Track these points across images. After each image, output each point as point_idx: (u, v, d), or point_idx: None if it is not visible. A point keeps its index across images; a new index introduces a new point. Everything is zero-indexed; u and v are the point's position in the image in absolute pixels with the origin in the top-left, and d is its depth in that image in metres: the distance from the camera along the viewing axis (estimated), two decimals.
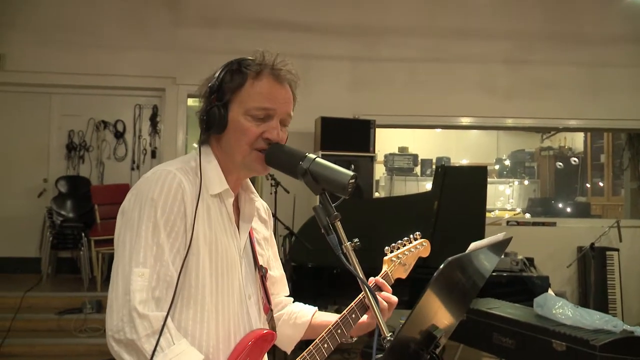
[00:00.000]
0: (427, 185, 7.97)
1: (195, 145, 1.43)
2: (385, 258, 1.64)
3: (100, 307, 5.24)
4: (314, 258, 4.19)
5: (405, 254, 1.67)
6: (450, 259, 0.98)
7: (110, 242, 5.70)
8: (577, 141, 9.24)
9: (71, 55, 5.90)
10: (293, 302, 1.69)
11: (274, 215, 4.53)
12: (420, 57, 6.27)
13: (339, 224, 1.23)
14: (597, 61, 6.26)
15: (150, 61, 6.04)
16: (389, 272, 1.61)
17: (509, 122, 6.66)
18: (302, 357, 1.37)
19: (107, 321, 1.21)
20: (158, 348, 1.17)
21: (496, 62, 6.31)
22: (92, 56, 5.95)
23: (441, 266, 0.97)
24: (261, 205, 1.58)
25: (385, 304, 1.45)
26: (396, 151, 8.41)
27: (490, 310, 3.10)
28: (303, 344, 1.48)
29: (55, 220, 5.91)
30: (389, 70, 6.25)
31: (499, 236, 1.31)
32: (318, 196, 1.29)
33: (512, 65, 6.32)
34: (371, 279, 1.53)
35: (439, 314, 1.16)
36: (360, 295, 1.50)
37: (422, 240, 1.76)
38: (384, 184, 8.28)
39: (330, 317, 1.57)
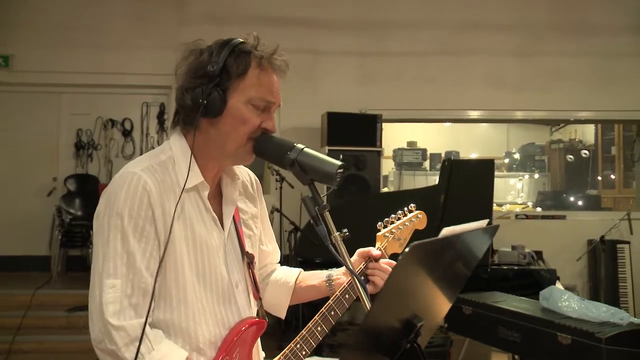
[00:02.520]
0: (436, 180, 7.94)
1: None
2: (378, 234, 1.61)
3: None
4: (321, 253, 4.19)
5: (399, 228, 1.64)
6: (414, 243, 0.96)
7: None
8: (587, 133, 9.14)
9: (78, 54, 5.94)
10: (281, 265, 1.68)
11: (279, 211, 4.54)
12: (428, 51, 6.24)
13: (327, 215, 1.22)
14: (607, 52, 6.19)
15: (157, 59, 6.04)
16: (382, 248, 1.58)
17: (519, 114, 6.62)
18: (295, 342, 1.36)
19: (90, 330, 1.24)
20: (139, 355, 1.18)
21: (505, 54, 6.26)
22: (100, 55, 5.99)
23: (405, 249, 0.96)
24: (248, 179, 1.54)
25: (388, 268, 1.47)
26: (405, 146, 8.37)
27: (495, 304, 3.07)
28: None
29: (65, 218, 5.96)
30: (396, 65, 6.22)
31: (477, 224, 1.28)
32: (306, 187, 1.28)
33: (521, 58, 6.27)
34: (362, 250, 1.53)
35: (419, 301, 1.15)
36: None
37: (418, 212, 1.70)
38: (392, 179, 8.24)
39: (313, 278, 1.58)
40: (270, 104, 1.34)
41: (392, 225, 1.64)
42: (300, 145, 1.31)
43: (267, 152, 1.33)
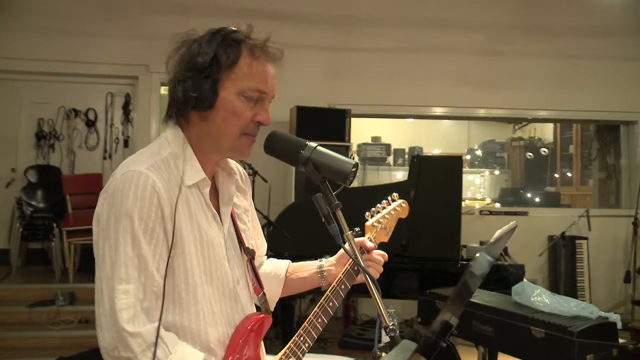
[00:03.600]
0: (399, 175, 8.04)
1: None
2: (367, 224, 1.62)
3: (73, 298, 5.14)
4: (290, 247, 4.19)
5: (385, 217, 1.66)
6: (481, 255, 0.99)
7: (83, 232, 5.61)
8: (546, 132, 9.40)
9: (41, 41, 5.73)
10: (268, 258, 1.68)
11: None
12: (395, 47, 6.30)
13: (339, 213, 1.22)
14: (568, 53, 6.37)
15: (122, 48, 5.93)
16: (372, 237, 1.60)
17: (481, 112, 6.75)
18: (298, 334, 1.36)
19: (100, 338, 1.18)
20: None
21: (470, 53, 6.37)
22: (63, 43, 5.80)
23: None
24: (238, 173, 1.50)
25: (381, 259, 1.49)
26: (369, 141, 8.43)
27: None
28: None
29: (25, 210, 5.77)
30: (364, 60, 6.26)
31: (510, 225, 1.33)
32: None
33: (486, 56, 6.39)
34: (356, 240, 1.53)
35: (454, 303, 1.18)
36: (347, 265, 1.50)
37: (401, 201, 1.73)
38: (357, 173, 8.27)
39: (303, 269, 1.59)
40: (264, 94, 1.30)
41: (379, 215, 1.66)
42: (312, 144, 1.30)
43: (279, 150, 1.32)
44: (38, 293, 5.22)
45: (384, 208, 1.67)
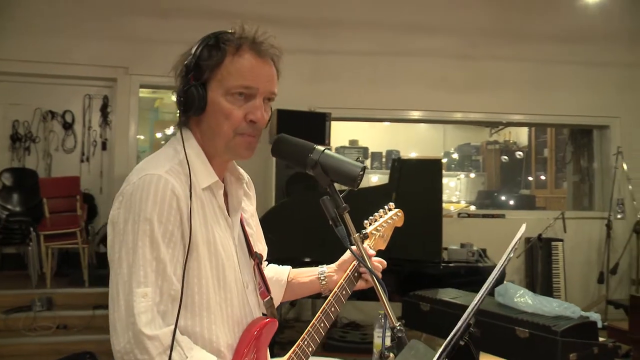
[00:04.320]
0: (374, 179, 8.11)
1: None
2: (367, 232, 1.66)
3: (51, 304, 5.06)
4: (278, 249, 4.19)
5: (383, 225, 1.71)
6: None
7: (61, 236, 5.52)
8: (521, 135, 9.57)
9: (16, 42, 5.64)
10: (268, 264, 1.69)
11: None
12: (374, 51, 6.35)
13: (347, 216, 1.24)
14: (543, 58, 6.50)
15: (101, 50, 5.86)
16: (371, 245, 1.63)
17: (458, 116, 6.84)
18: (302, 339, 1.38)
19: (114, 342, 1.17)
20: None
21: (447, 57, 6.46)
22: (39, 43, 5.70)
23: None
24: (245, 178, 1.51)
25: (380, 266, 1.52)
26: (346, 144, 8.47)
27: (453, 300, 3.19)
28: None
29: (0, 214, 5.66)
30: (343, 64, 6.29)
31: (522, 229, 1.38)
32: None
33: (463, 61, 6.49)
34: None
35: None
36: (348, 271, 1.54)
37: (397, 210, 1.78)
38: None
39: (304, 275, 1.61)
40: (252, 90, 1.27)
41: (377, 223, 1.70)
42: (320, 147, 1.32)
43: (287, 153, 1.34)
44: (14, 299, 5.12)
45: (381, 217, 1.71)
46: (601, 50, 6.49)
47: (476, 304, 1.16)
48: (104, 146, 6.35)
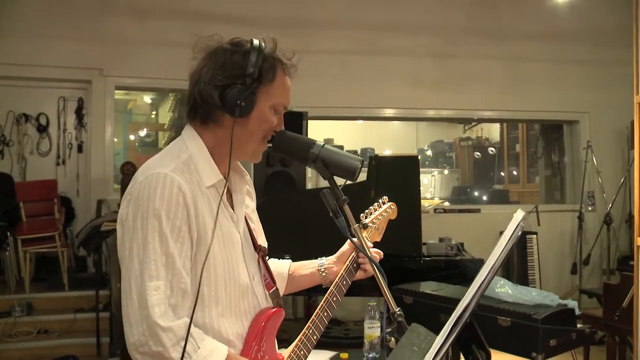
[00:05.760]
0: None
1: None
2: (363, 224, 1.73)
3: (31, 309, 5.01)
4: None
5: (378, 218, 1.78)
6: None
7: (39, 240, 5.45)
8: (493, 132, 9.75)
9: None
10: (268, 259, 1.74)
11: None
12: (350, 50, 6.42)
13: (346, 208, 1.30)
14: (514, 56, 6.65)
15: (75, 51, 5.80)
16: (368, 237, 1.70)
17: (431, 113, 6.96)
18: (307, 327, 1.45)
19: (128, 336, 1.22)
20: (185, 354, 1.20)
21: (421, 55, 6.56)
22: (12, 45, 5.64)
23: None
24: (247, 176, 1.58)
25: (377, 256, 1.58)
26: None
27: (435, 293, 3.27)
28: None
29: None
30: (319, 63, 6.31)
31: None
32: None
33: (435, 59, 6.60)
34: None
35: None
36: (347, 262, 1.61)
37: (390, 203, 1.86)
38: (310, 175, 8.36)
39: (305, 268, 1.68)
40: (286, 108, 1.44)
41: (373, 216, 1.78)
42: (320, 142, 1.39)
43: (289, 149, 1.41)
44: None
45: (375, 210, 1.78)
46: (570, 48, 6.66)
47: (481, 285, 1.23)
48: (80, 148, 6.28)
